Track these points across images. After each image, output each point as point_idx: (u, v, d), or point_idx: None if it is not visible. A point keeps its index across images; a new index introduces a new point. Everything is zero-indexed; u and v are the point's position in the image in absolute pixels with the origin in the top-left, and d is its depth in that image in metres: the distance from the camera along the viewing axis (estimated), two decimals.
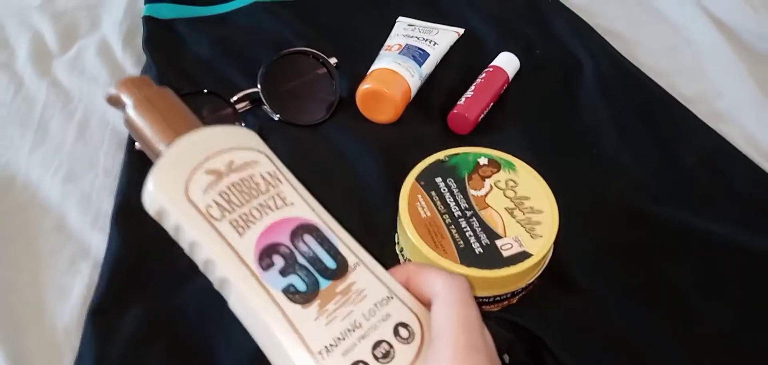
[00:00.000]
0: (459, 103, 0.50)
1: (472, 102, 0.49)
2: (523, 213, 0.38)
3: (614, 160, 0.48)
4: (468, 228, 0.37)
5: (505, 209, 0.38)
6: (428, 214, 0.38)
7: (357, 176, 0.46)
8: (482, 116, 0.50)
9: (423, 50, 0.51)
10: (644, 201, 0.44)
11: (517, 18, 0.61)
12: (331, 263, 0.27)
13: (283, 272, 0.27)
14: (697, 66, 0.58)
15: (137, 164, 0.46)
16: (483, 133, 0.49)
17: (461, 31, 0.58)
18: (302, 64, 0.51)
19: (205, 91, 0.47)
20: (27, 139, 0.49)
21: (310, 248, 0.28)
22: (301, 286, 0.26)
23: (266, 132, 0.48)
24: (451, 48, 0.56)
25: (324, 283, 0.27)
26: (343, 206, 0.44)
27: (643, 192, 0.45)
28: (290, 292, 0.26)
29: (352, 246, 0.28)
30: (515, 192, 0.39)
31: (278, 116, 0.49)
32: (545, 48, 0.57)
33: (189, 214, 0.27)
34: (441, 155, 0.41)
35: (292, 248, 0.27)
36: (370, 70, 0.50)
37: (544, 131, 0.50)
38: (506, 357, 0.36)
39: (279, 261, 0.27)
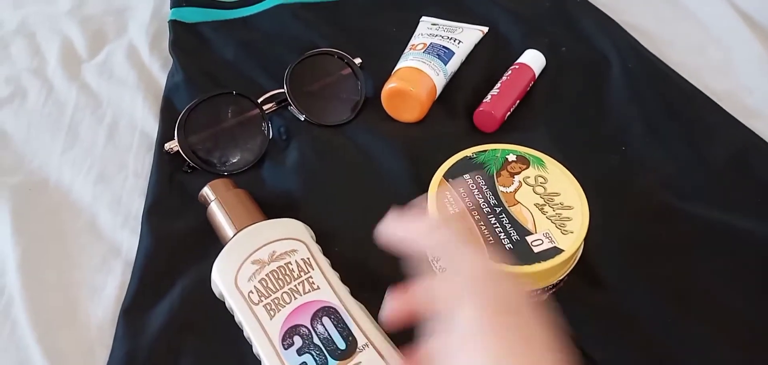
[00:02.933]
0: (485, 100, 0.49)
1: (498, 100, 0.49)
2: (553, 209, 0.37)
3: (643, 157, 0.47)
4: (497, 224, 0.37)
5: (535, 205, 0.37)
6: (457, 210, 0.38)
7: (383, 174, 0.46)
8: (508, 113, 0.49)
9: (448, 49, 0.51)
10: (674, 198, 0.44)
11: (542, 16, 0.60)
12: (341, 345, 0.33)
13: (300, 351, 0.32)
14: (727, 62, 0.57)
15: (166, 166, 0.46)
16: (509, 131, 0.49)
17: (486, 29, 0.57)
18: (327, 64, 0.52)
19: (232, 92, 0.47)
20: (58, 142, 0.50)
21: (325, 329, 0.33)
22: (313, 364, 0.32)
23: (292, 132, 0.48)
24: (476, 46, 0.56)
25: (332, 363, 0.32)
26: (369, 205, 0.44)
27: (672, 189, 0.44)
28: None
29: (365, 328, 0.33)
30: (545, 188, 0.38)
31: (304, 116, 0.49)
32: (571, 45, 0.57)
33: (236, 300, 0.34)
34: (469, 152, 0.41)
35: (311, 329, 0.33)
36: (395, 70, 0.50)
37: (571, 128, 0.49)
38: None
39: (298, 341, 0.33)
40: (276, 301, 0.34)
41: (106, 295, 0.40)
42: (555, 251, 0.35)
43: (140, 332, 0.37)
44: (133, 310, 0.38)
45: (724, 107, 0.50)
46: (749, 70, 0.55)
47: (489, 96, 0.50)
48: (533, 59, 0.53)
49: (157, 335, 0.36)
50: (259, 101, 0.48)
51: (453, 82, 0.52)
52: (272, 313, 0.34)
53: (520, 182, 0.39)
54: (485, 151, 0.41)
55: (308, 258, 0.36)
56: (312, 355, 0.32)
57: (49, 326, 0.38)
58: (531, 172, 0.40)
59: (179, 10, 0.60)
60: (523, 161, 0.40)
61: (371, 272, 0.40)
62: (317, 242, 0.39)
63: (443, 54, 0.51)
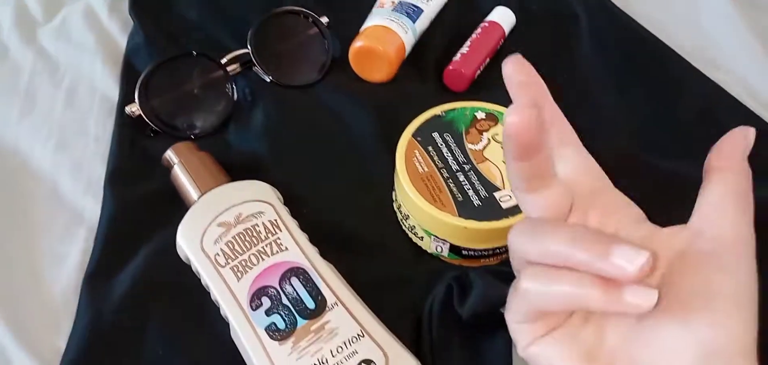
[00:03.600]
0: (454, 59, 0.49)
1: (467, 58, 0.49)
2: None
3: (611, 111, 0.47)
4: (466, 182, 0.37)
5: (504, 161, 0.37)
6: (426, 169, 0.37)
7: (352, 135, 0.45)
8: (479, 72, 0.49)
9: (416, 6, 0.50)
10: (642, 152, 0.44)
11: None
12: (310, 304, 0.32)
13: (268, 312, 0.32)
14: (694, 17, 0.57)
15: (128, 130, 0.45)
16: (479, 89, 0.49)
17: None
18: (293, 24, 0.50)
19: (195, 53, 0.46)
20: (15, 108, 0.48)
21: (294, 289, 0.33)
22: (281, 324, 0.32)
23: (258, 94, 0.47)
24: (446, 5, 0.55)
25: (301, 322, 0.32)
26: (338, 166, 0.44)
27: (640, 143, 0.45)
28: (271, 330, 0.32)
29: (334, 287, 0.33)
30: None
31: (270, 77, 0.48)
32: (541, 2, 0.56)
33: (203, 263, 0.34)
34: (437, 110, 0.41)
35: (279, 290, 0.33)
36: (362, 28, 0.49)
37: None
38: (503, 310, 0.36)
39: (266, 302, 0.32)
40: (243, 263, 0.34)
41: (70, 263, 0.39)
42: None
43: (105, 298, 0.36)
44: (97, 276, 0.37)
45: (690, 61, 0.51)
46: (715, 25, 0.56)
47: (458, 54, 0.49)
48: (503, 17, 0.52)
49: (122, 300, 0.36)
50: (223, 61, 0.47)
51: (423, 41, 0.52)
52: (240, 275, 0.33)
53: (489, 139, 0.39)
54: (454, 109, 0.41)
55: (275, 220, 0.36)
56: (281, 315, 0.32)
57: (12, 296, 0.37)
58: (500, 129, 0.39)
59: None
60: (492, 119, 0.40)
61: (340, 232, 0.40)
62: (286, 204, 0.38)
63: (412, 12, 0.50)
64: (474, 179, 0.37)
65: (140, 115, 0.44)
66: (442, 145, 0.39)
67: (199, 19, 0.54)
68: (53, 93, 0.49)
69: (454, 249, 0.37)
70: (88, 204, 0.42)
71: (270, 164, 0.43)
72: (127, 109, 0.44)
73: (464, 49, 0.49)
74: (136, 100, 0.44)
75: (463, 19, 0.54)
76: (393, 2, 0.51)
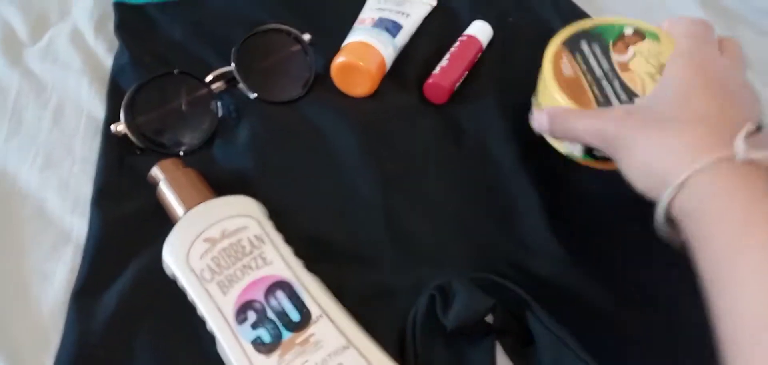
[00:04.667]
0: (434, 72, 0.50)
1: (446, 71, 0.50)
2: None
3: None
4: (609, 87, 0.39)
5: (646, 73, 0.39)
6: (571, 73, 0.39)
7: (336, 148, 0.46)
8: (458, 84, 0.50)
9: (396, 22, 0.52)
10: None
11: None
12: (295, 317, 0.33)
13: (254, 326, 0.33)
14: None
15: (114, 149, 0.46)
16: (458, 101, 0.50)
17: (434, 2, 0.58)
18: (276, 41, 0.51)
19: (177, 72, 0.47)
20: (2, 128, 0.48)
21: (279, 302, 0.33)
22: (267, 338, 0.32)
23: (242, 111, 0.48)
24: (425, 19, 0.56)
25: (286, 335, 0.32)
26: (324, 178, 0.45)
27: None
28: (257, 343, 0.32)
29: (319, 300, 0.34)
30: (658, 60, 0.40)
31: (254, 94, 0.49)
32: (518, 16, 0.58)
33: (189, 278, 0.34)
34: (586, 23, 0.43)
35: (265, 303, 0.33)
36: (344, 44, 0.51)
37: (519, 97, 0.50)
38: (490, 317, 0.37)
39: (252, 316, 0.33)
40: (229, 277, 0.34)
41: (58, 281, 0.39)
42: None
43: (92, 315, 0.37)
44: (85, 294, 0.38)
45: None
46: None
47: (438, 68, 0.50)
48: (481, 30, 0.54)
49: (110, 318, 0.36)
50: (207, 80, 0.48)
51: (403, 55, 0.53)
52: (225, 290, 0.34)
53: (634, 52, 0.41)
54: (603, 24, 0.43)
55: (260, 234, 0.36)
56: (266, 329, 0.32)
57: (0, 314, 0.37)
58: (645, 45, 0.41)
59: None
60: (639, 35, 0.42)
61: (326, 246, 0.40)
62: (272, 218, 0.39)
63: (392, 27, 0.51)
64: (617, 85, 0.39)
65: (126, 133, 0.45)
66: (588, 54, 0.41)
67: (183, 38, 0.55)
68: (40, 113, 0.50)
69: (588, 150, 0.39)
70: (76, 223, 0.42)
71: (256, 179, 0.44)
72: (113, 127, 0.45)
73: (443, 62, 0.51)
74: (122, 118, 0.45)
75: (442, 33, 0.55)
76: (373, 19, 0.52)
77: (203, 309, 0.34)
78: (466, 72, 0.51)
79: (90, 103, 0.50)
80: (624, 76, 0.39)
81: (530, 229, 0.42)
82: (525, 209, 0.43)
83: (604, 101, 0.38)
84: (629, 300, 0.38)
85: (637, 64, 0.40)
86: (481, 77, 0.52)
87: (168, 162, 0.41)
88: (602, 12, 0.59)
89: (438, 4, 0.58)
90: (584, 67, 0.40)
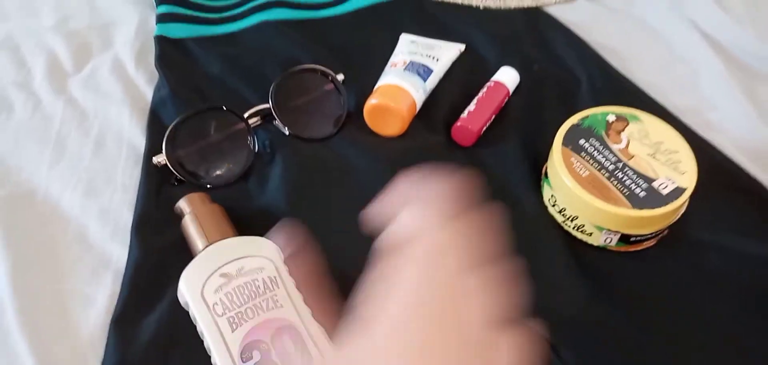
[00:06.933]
0: (462, 116, 0.52)
1: (474, 115, 0.51)
2: (664, 155, 0.42)
3: None
4: (625, 177, 0.41)
5: (648, 154, 0.42)
6: (587, 172, 0.42)
7: (367, 185, 0.47)
8: (484, 128, 0.52)
9: (427, 66, 0.54)
10: None
11: (516, 34, 0.63)
12: (298, 363, 0.33)
13: None
14: (691, 81, 0.60)
15: (153, 179, 0.47)
16: (485, 144, 0.51)
17: (463, 47, 0.60)
18: (311, 80, 0.53)
19: (222, 108, 0.49)
20: (46, 155, 0.50)
21: (284, 347, 0.34)
22: None
23: (277, 146, 0.50)
24: (454, 63, 0.58)
25: None
26: (353, 216, 0.46)
27: None
28: None
29: (322, 347, 0.34)
30: (650, 139, 0.43)
31: (289, 130, 0.51)
32: (544, 64, 0.59)
33: (200, 309, 0.35)
34: (574, 119, 0.46)
35: (271, 345, 0.34)
36: (376, 86, 0.52)
37: (543, 143, 0.52)
38: None
39: (256, 355, 0.33)
40: (239, 315, 0.34)
41: (97, 305, 0.41)
42: (679, 190, 0.40)
43: (131, 341, 0.38)
44: (124, 320, 0.39)
45: (685, 122, 0.53)
46: (712, 88, 0.58)
47: (466, 112, 0.52)
48: (508, 76, 0.55)
49: (147, 345, 0.38)
50: (246, 115, 0.50)
51: (432, 98, 0.55)
52: (234, 326, 0.34)
53: (627, 138, 0.44)
54: (587, 116, 0.46)
55: (275, 277, 0.37)
56: None
57: (42, 336, 0.39)
58: (633, 128, 0.44)
59: (165, 25, 0.61)
60: (623, 120, 0.45)
61: (354, 282, 0.41)
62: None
63: (423, 71, 0.53)
64: (631, 174, 0.42)
65: (166, 164, 0.47)
66: (591, 150, 0.43)
67: (221, 74, 0.57)
68: (82, 141, 0.52)
69: (624, 238, 0.42)
70: (115, 250, 0.44)
71: (287, 214, 0.45)
72: (155, 159, 0.47)
73: (471, 106, 0.52)
74: (164, 150, 0.47)
75: (470, 78, 0.57)
76: (405, 62, 0.54)
77: (210, 341, 0.34)
78: (493, 116, 0.53)
79: (130, 132, 0.52)
80: (631, 163, 0.42)
81: (552, 270, 0.42)
82: (546, 252, 0.44)
83: (629, 192, 0.40)
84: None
85: (635, 148, 0.43)
86: (506, 121, 0.53)
87: (195, 196, 0.42)
88: (626, 63, 0.60)
89: (466, 48, 0.60)
90: (595, 164, 0.42)
